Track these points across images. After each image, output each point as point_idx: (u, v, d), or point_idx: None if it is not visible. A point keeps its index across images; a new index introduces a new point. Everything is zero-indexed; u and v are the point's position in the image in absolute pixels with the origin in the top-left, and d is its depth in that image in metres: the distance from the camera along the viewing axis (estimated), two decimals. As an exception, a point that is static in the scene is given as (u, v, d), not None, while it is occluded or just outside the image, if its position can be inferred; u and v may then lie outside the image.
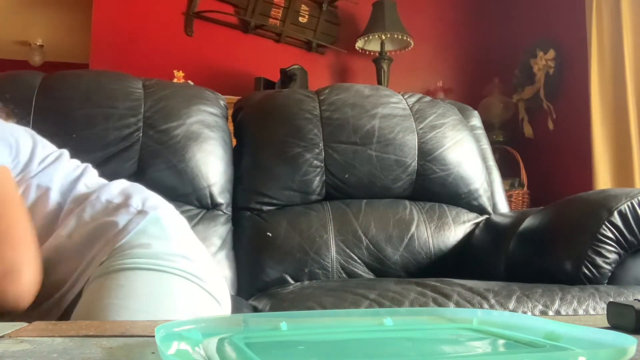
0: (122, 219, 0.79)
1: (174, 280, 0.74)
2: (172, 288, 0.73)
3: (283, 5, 3.30)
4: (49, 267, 0.77)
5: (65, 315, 0.76)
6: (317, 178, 1.51)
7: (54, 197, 0.82)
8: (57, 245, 0.78)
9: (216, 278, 0.83)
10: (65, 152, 0.93)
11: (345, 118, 1.55)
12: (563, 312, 0.97)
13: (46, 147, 0.90)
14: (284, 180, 1.50)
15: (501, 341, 0.42)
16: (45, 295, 0.77)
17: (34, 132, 0.92)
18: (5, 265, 0.68)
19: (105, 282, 0.71)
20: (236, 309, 1.10)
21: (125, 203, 0.82)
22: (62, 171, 0.86)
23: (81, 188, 0.85)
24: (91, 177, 0.90)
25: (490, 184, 1.65)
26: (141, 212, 0.81)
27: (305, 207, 1.50)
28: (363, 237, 1.45)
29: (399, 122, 1.58)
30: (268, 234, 1.43)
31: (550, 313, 0.97)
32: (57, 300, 0.77)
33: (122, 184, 0.89)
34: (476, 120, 1.78)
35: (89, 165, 0.93)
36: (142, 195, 0.86)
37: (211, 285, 0.78)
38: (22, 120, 1.34)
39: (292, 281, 1.37)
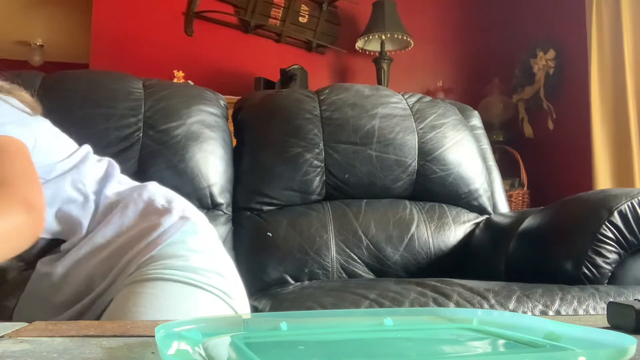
0: (166, 222, 0.79)
1: (205, 297, 0.74)
2: (202, 304, 0.74)
3: (283, 5, 3.30)
4: (86, 262, 0.77)
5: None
6: (317, 178, 1.51)
7: (89, 194, 0.83)
8: (98, 243, 0.78)
9: (243, 295, 0.84)
10: (89, 149, 0.92)
11: (345, 118, 1.55)
12: (563, 312, 0.97)
13: (67, 144, 0.90)
14: (284, 180, 1.50)
15: (501, 341, 0.42)
16: (79, 292, 0.76)
17: (52, 127, 0.92)
18: (32, 201, 0.66)
19: (138, 290, 0.72)
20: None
21: (168, 207, 0.83)
22: (90, 168, 0.87)
23: (115, 186, 0.86)
24: (122, 175, 0.91)
25: (490, 184, 1.65)
26: (182, 218, 0.81)
27: (305, 207, 1.50)
28: (363, 237, 1.45)
29: (399, 122, 1.58)
30: (268, 234, 1.43)
31: (550, 313, 0.97)
32: (92, 301, 0.76)
33: (159, 186, 0.90)
34: (476, 120, 1.78)
35: (112, 161, 0.93)
36: (181, 201, 0.86)
37: (238, 303, 0.79)
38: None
39: (292, 281, 1.37)
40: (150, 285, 0.72)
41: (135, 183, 0.92)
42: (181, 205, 0.85)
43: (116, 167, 0.92)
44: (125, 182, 0.90)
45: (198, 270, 0.75)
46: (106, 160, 0.92)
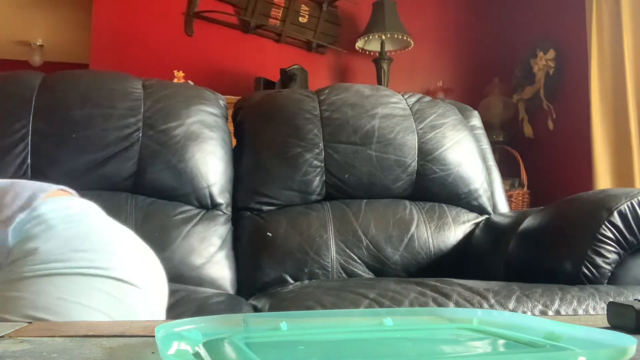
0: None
1: (72, 280, 0.66)
2: (72, 288, 0.66)
3: (283, 5, 3.30)
4: None
5: None
6: (317, 178, 1.51)
7: None
8: None
9: (128, 260, 0.73)
10: None
11: (345, 118, 1.55)
12: (563, 312, 0.97)
13: None
14: (284, 180, 1.50)
15: (501, 341, 0.42)
16: None
17: None
18: None
19: (6, 294, 0.64)
20: (236, 308, 1.10)
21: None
22: None
23: None
24: None
25: (490, 184, 1.65)
26: (21, 209, 0.71)
27: (305, 207, 1.50)
28: (363, 237, 1.45)
29: (399, 122, 1.58)
30: (268, 234, 1.43)
31: (550, 313, 0.97)
32: None
33: None
34: (476, 120, 1.78)
35: None
36: (15, 191, 0.74)
37: (120, 271, 0.70)
38: (21, 120, 1.34)
39: (292, 281, 1.37)
40: (15, 288, 0.65)
41: None
42: (12, 198, 0.72)
43: None
44: None
45: (52, 258, 0.67)
46: None
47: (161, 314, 0.78)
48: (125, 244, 0.77)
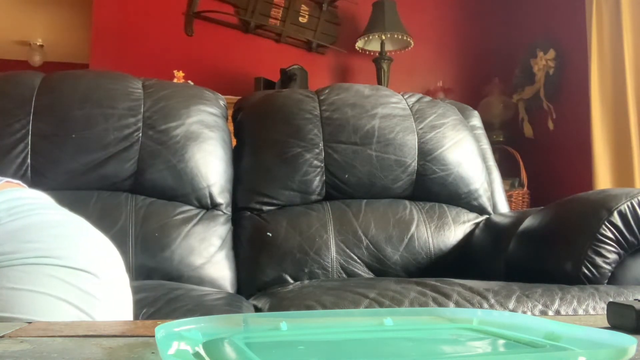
0: None
1: (22, 270, 0.63)
2: (22, 277, 0.63)
3: (283, 5, 3.30)
4: None
5: None
6: (317, 178, 1.51)
7: None
8: None
9: (83, 250, 0.70)
10: None
11: (345, 118, 1.55)
12: (563, 312, 0.97)
13: None
14: (284, 180, 1.50)
15: (501, 341, 0.42)
16: None
17: None
18: None
19: None
20: (234, 305, 1.10)
21: None
22: None
23: None
24: None
25: (490, 184, 1.65)
26: None
27: (305, 207, 1.50)
28: (363, 237, 1.45)
29: (399, 122, 1.58)
30: (268, 234, 1.43)
31: (550, 313, 0.97)
32: None
33: None
34: (476, 120, 1.78)
35: None
36: None
37: (74, 260, 0.66)
38: (21, 120, 1.34)
39: (291, 281, 1.37)
40: None
41: None
42: None
43: None
44: None
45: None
46: None
47: (129, 305, 0.75)
48: (80, 234, 0.73)
